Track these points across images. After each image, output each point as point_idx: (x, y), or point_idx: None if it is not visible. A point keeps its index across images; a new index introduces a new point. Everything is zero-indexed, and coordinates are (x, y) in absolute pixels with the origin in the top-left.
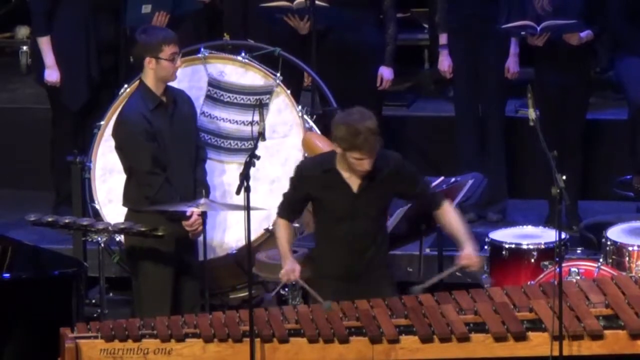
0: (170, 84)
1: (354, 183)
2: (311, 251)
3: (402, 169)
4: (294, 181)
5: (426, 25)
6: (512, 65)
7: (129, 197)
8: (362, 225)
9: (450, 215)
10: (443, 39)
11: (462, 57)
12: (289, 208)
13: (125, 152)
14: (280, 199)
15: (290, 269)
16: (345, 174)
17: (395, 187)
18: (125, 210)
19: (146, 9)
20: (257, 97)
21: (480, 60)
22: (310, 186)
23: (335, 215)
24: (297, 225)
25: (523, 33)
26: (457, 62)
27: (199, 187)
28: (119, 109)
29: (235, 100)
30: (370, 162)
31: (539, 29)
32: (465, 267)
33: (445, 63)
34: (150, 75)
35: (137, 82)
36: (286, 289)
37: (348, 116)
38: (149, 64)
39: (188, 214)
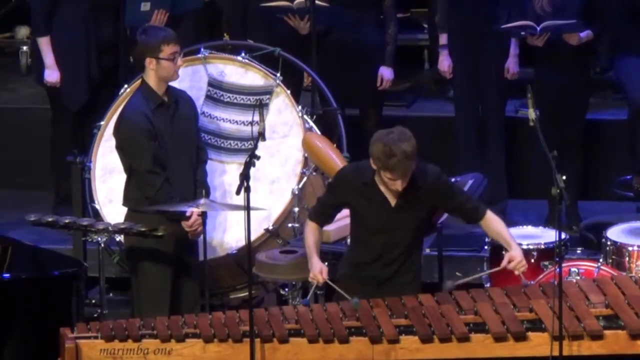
0: (171, 83)
1: (392, 198)
2: (346, 252)
3: (438, 183)
4: (332, 187)
5: (426, 25)
6: (512, 65)
7: (129, 196)
8: (397, 238)
9: (494, 225)
10: (443, 39)
11: (462, 57)
12: (322, 212)
13: (126, 151)
14: (280, 198)
15: (318, 271)
16: (384, 187)
17: (433, 201)
18: (125, 210)
19: (145, 6)
20: (257, 97)
21: (480, 60)
22: (348, 194)
23: (371, 226)
24: (297, 225)
25: (523, 33)
26: (457, 62)
27: (199, 187)
28: (121, 108)
29: (235, 101)
30: (402, 183)
31: (538, 29)
32: (509, 268)
33: (445, 63)
34: (151, 75)
35: (138, 82)
36: (286, 289)
37: (387, 135)
38: (150, 64)
39: (188, 214)
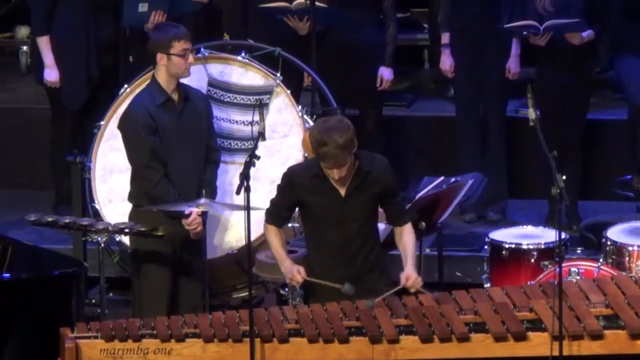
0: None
1: (342, 187)
2: (306, 258)
3: (386, 175)
4: (282, 188)
5: (426, 25)
6: (513, 65)
7: (133, 192)
8: (352, 230)
9: (409, 235)
10: (445, 38)
11: (463, 56)
12: (277, 215)
13: (126, 145)
14: None
15: (295, 271)
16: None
17: (379, 192)
18: (126, 210)
19: (143, 7)
20: (257, 97)
21: (482, 60)
22: (299, 192)
23: (325, 220)
24: (297, 225)
25: (525, 33)
26: (459, 61)
27: (205, 187)
28: (122, 107)
29: (235, 100)
30: (338, 172)
31: (541, 28)
32: (408, 286)
33: (447, 62)
34: (162, 71)
35: (139, 81)
36: (286, 289)
37: (323, 123)
38: (161, 60)
39: (187, 212)
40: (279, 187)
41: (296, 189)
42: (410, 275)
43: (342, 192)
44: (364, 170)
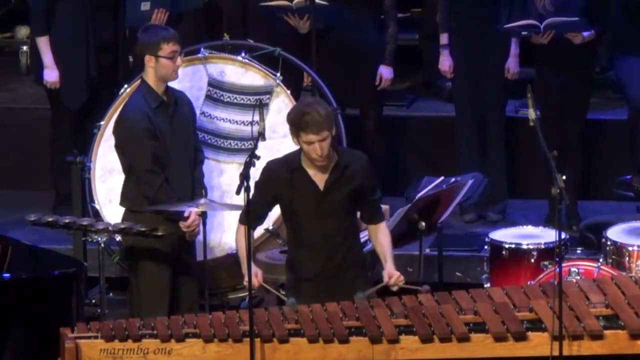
0: (171, 83)
1: (320, 181)
2: (288, 256)
3: (365, 171)
4: (261, 184)
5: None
6: (512, 65)
7: (127, 196)
8: (331, 225)
9: (385, 233)
10: (444, 39)
11: (462, 57)
12: (252, 213)
13: (125, 150)
14: None
15: (253, 274)
16: (311, 172)
17: (357, 187)
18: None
19: (145, 6)
20: (257, 97)
21: (481, 60)
22: (278, 187)
23: (304, 215)
24: None
25: (524, 33)
26: (458, 62)
27: (197, 188)
28: (121, 108)
29: (235, 100)
30: (321, 146)
31: (542, 26)
32: (390, 283)
33: (446, 63)
34: (150, 74)
35: (138, 81)
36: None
37: (301, 102)
38: (149, 62)
39: (186, 214)
40: (257, 183)
41: (274, 182)
42: (392, 273)
43: (321, 186)
44: (343, 164)
